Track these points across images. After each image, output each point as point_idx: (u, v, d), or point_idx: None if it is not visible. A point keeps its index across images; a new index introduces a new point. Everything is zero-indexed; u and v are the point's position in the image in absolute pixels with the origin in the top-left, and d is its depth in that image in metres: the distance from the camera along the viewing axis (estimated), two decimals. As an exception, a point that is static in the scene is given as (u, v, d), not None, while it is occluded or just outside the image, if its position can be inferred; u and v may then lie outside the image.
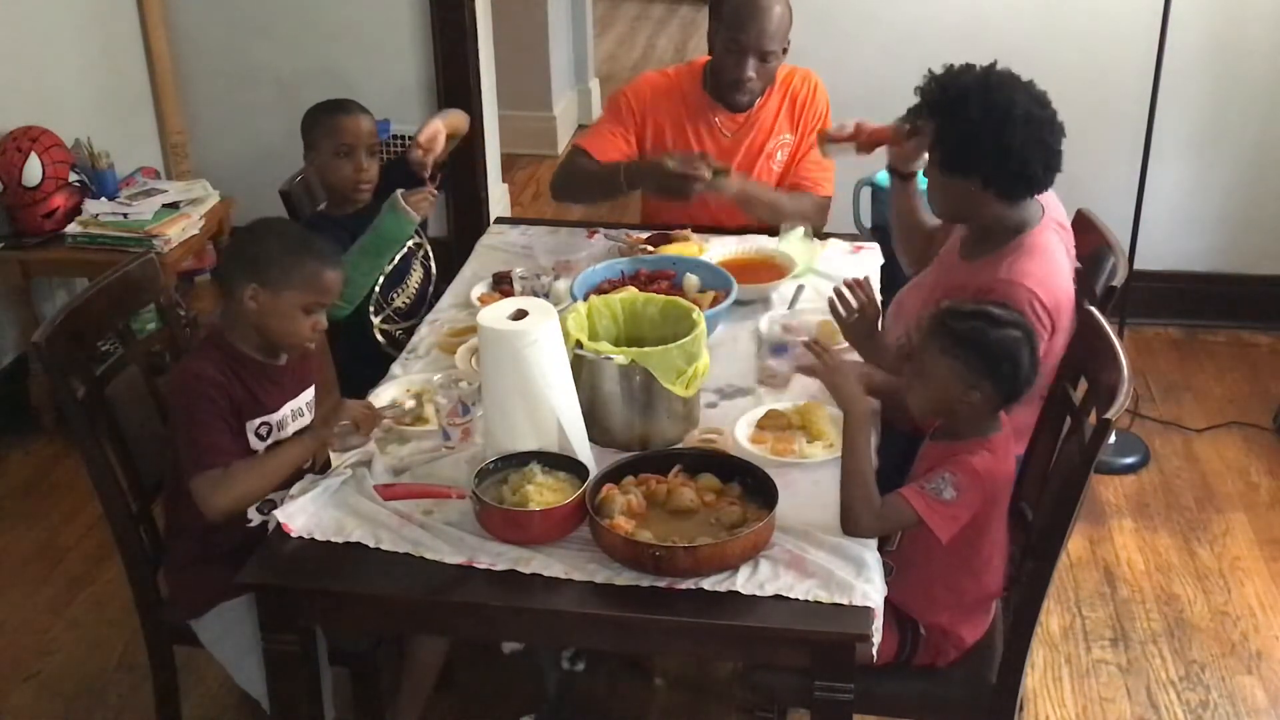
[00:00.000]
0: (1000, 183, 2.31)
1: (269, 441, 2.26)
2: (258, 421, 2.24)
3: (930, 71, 2.39)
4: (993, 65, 2.35)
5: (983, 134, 2.27)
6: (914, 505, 1.98)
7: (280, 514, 2.05)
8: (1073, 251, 2.46)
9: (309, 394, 2.37)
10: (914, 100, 2.42)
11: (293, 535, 2.03)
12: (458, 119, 3.05)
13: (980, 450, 2.03)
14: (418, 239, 3.02)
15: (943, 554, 2.07)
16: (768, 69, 3.08)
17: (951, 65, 2.38)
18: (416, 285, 2.99)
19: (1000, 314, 2.07)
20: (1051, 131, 2.31)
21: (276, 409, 2.28)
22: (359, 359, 2.89)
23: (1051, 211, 2.43)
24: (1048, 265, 2.31)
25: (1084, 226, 2.69)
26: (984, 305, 2.11)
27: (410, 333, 2.79)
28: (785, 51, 3.13)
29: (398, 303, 2.94)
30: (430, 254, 3.06)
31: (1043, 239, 2.35)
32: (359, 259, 2.75)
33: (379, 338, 2.91)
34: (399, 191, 2.76)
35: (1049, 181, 2.34)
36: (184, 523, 2.29)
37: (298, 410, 2.34)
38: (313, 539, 2.04)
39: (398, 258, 2.92)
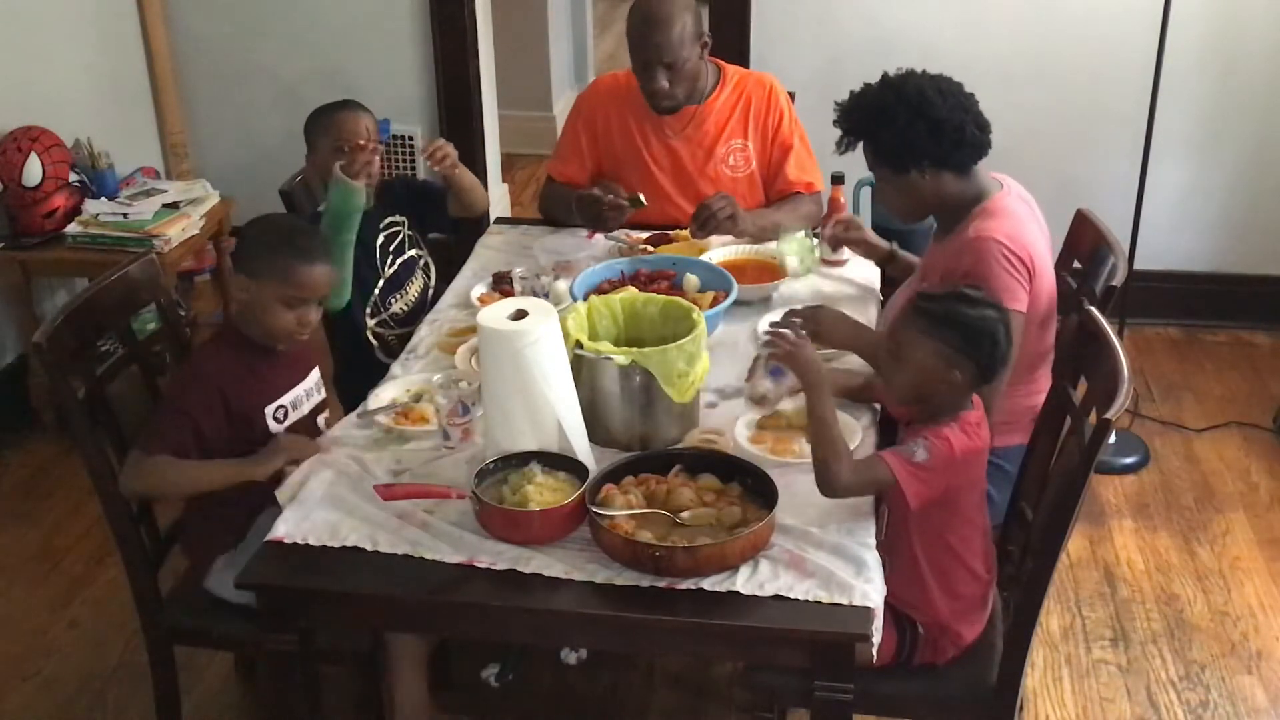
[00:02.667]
0: (946, 156, 2.43)
1: (286, 424, 2.36)
2: (274, 406, 2.34)
3: (836, 105, 2.51)
4: (885, 74, 2.48)
5: (913, 122, 2.40)
6: (889, 463, 2.01)
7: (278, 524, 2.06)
8: (1042, 222, 2.52)
9: (315, 375, 2.47)
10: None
11: (286, 542, 2.03)
12: (473, 180, 3.04)
13: (953, 425, 2.05)
14: (419, 249, 3.02)
15: (922, 536, 2.10)
16: (681, 74, 3.07)
17: (852, 91, 2.50)
18: (416, 293, 2.99)
19: (975, 295, 2.13)
20: (965, 95, 2.46)
21: (288, 391, 2.38)
22: (350, 363, 2.89)
23: (1013, 188, 2.53)
24: (1012, 222, 2.41)
25: (1084, 226, 2.70)
26: (958, 288, 2.16)
27: (405, 339, 2.79)
28: (706, 47, 3.13)
29: (395, 308, 2.94)
30: (430, 264, 3.06)
31: (1004, 204, 2.46)
32: (329, 240, 2.73)
33: (371, 340, 2.91)
34: (337, 166, 2.76)
35: (987, 140, 2.46)
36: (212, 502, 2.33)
37: (309, 391, 2.44)
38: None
39: (398, 263, 2.93)
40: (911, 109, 2.39)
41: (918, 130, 2.39)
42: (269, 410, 2.34)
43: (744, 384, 2.31)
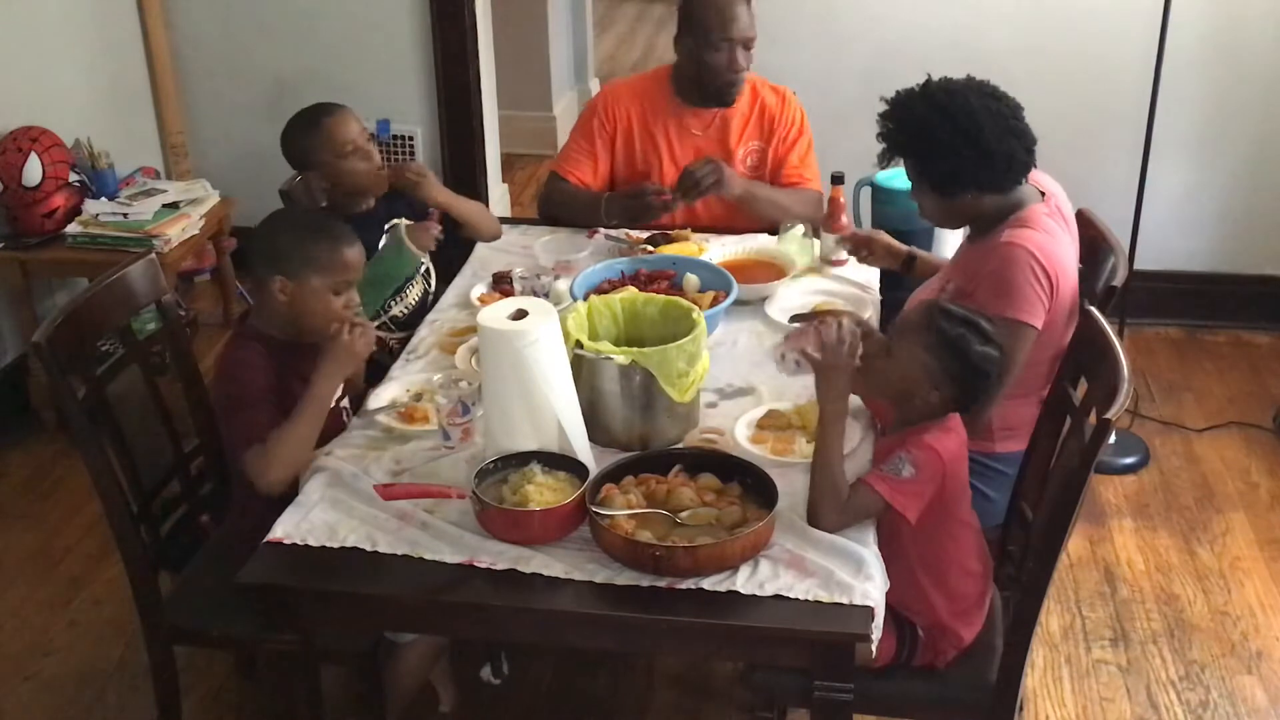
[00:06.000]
0: (994, 183, 2.39)
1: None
2: None
3: (880, 116, 2.44)
4: (928, 81, 2.42)
5: (963, 153, 2.34)
6: (877, 489, 2.01)
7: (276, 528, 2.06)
8: (1075, 242, 2.51)
9: None
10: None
11: (285, 543, 2.03)
12: (476, 208, 3.06)
13: (932, 428, 2.06)
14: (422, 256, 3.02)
15: (915, 540, 2.10)
16: (750, 55, 3.15)
17: (895, 94, 2.43)
18: (416, 298, 2.99)
19: (989, 329, 2.11)
20: (1015, 114, 2.38)
21: None
22: None
23: (1055, 200, 2.49)
24: (1045, 235, 2.37)
25: (1084, 226, 2.70)
26: (976, 316, 2.13)
27: (404, 343, 2.79)
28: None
29: (395, 311, 2.93)
30: (431, 270, 3.06)
31: (1039, 215, 2.41)
32: (365, 289, 2.75)
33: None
34: (402, 225, 2.77)
35: (1033, 159, 2.41)
36: (248, 503, 2.32)
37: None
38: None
39: None
40: (961, 136, 2.32)
41: (967, 160, 2.34)
42: None
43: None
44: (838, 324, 2.09)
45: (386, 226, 2.93)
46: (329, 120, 2.83)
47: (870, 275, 2.94)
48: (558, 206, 3.28)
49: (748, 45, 3.12)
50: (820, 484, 2.03)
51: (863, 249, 2.84)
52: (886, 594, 1.95)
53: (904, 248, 2.84)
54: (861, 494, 2.02)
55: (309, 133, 2.83)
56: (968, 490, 2.17)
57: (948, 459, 2.05)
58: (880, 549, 2.03)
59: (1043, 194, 2.48)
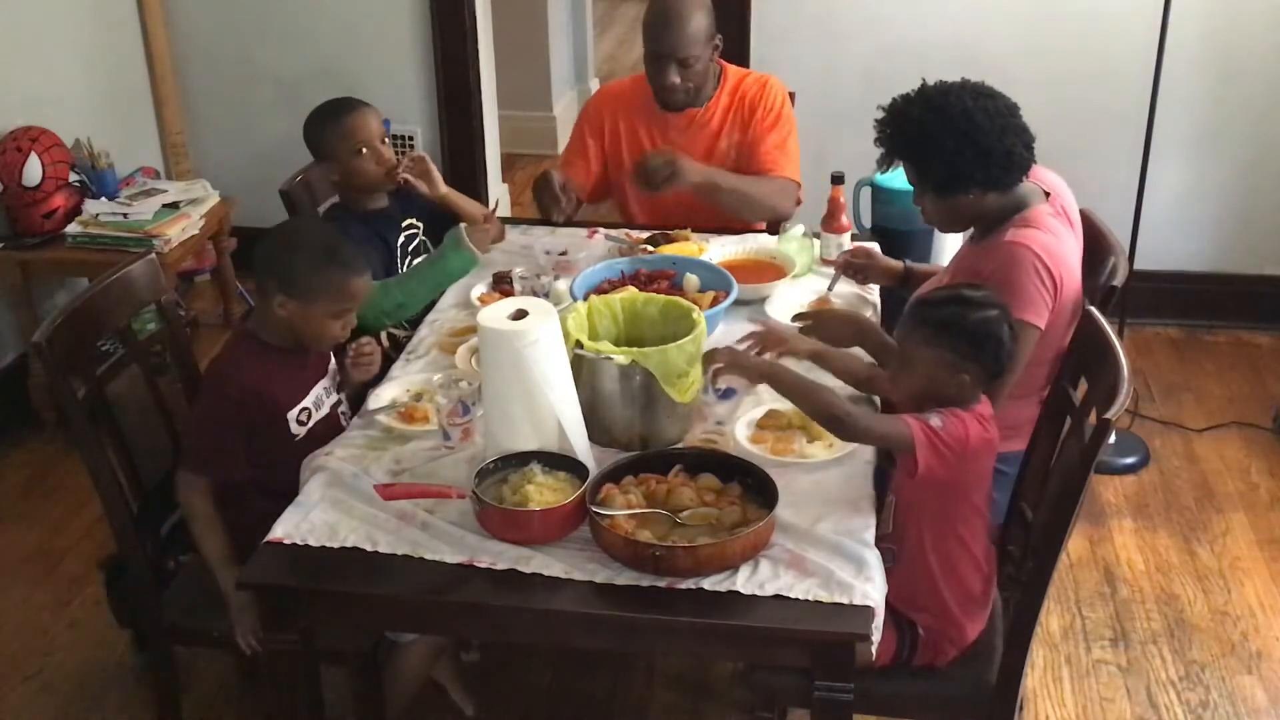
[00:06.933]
0: (995, 181, 2.39)
1: (309, 425, 2.37)
2: (297, 410, 2.36)
3: (876, 122, 2.44)
4: (923, 85, 2.43)
5: (962, 151, 2.34)
6: (907, 420, 2.02)
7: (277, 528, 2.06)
8: (1080, 240, 2.51)
9: (331, 369, 2.49)
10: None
11: (285, 543, 2.03)
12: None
13: (966, 414, 2.06)
14: (430, 254, 3.02)
15: (932, 528, 2.10)
16: (693, 72, 3.13)
17: (892, 100, 2.43)
18: None
19: (973, 295, 2.12)
20: (1011, 112, 2.39)
21: (307, 393, 2.39)
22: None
23: (1060, 200, 2.50)
24: (1050, 235, 2.38)
25: (1084, 226, 2.70)
26: (956, 289, 2.15)
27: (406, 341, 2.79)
28: (718, 49, 3.18)
29: None
30: None
31: (1042, 215, 2.41)
32: (416, 287, 2.77)
33: (384, 341, 2.91)
34: (462, 227, 2.79)
35: (1032, 156, 2.41)
36: (245, 497, 2.35)
37: (326, 389, 2.45)
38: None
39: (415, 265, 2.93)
40: (959, 135, 2.32)
41: (966, 158, 2.34)
42: (292, 415, 2.35)
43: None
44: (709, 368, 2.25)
45: (403, 225, 2.93)
46: (349, 117, 2.83)
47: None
48: (536, 195, 3.26)
49: (682, 63, 3.09)
50: (812, 400, 2.08)
51: (858, 273, 2.83)
52: (895, 590, 1.95)
53: (897, 263, 2.83)
54: (892, 419, 2.05)
55: (327, 125, 2.84)
56: (986, 486, 2.17)
57: (974, 441, 2.04)
58: (892, 537, 2.03)
59: (1047, 194, 2.48)
